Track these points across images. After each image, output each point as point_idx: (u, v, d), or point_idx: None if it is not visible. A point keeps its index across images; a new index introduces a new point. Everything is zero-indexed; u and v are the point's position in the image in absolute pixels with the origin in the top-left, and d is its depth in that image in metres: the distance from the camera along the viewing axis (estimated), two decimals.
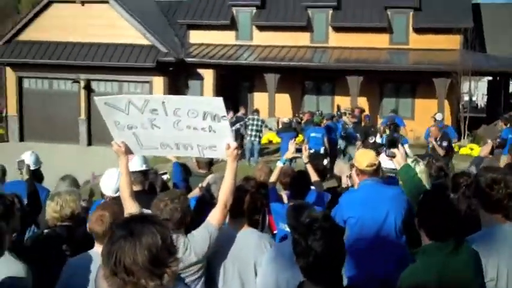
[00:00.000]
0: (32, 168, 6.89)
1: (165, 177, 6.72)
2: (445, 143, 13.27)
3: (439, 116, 15.92)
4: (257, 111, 20.18)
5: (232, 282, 4.17)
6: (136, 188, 5.24)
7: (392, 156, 4.55)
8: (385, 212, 5.05)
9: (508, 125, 13.97)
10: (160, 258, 2.15)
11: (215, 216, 4.02)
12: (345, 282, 4.97)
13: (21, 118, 27.28)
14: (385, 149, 4.62)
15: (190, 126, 4.02)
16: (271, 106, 26.00)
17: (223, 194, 4.04)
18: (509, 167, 5.96)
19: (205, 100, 4.11)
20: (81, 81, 25.95)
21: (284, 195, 6.29)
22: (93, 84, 26.23)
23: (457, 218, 3.55)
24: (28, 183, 6.64)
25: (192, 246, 3.87)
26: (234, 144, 4.05)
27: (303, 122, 19.24)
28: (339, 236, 2.96)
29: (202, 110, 3.91)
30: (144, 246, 2.12)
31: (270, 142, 23.59)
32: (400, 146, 4.67)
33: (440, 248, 3.45)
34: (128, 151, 4.28)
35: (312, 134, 16.20)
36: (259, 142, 19.65)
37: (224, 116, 3.94)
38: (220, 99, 3.93)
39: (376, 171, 5.42)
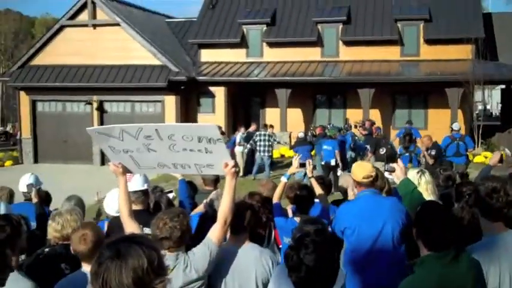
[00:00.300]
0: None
1: (171, 195, 6.71)
2: (433, 152, 13.94)
3: (455, 126, 15.84)
4: (266, 126, 20.31)
5: None
6: (137, 207, 5.26)
7: (391, 171, 4.52)
8: (382, 222, 5.03)
9: None
10: (146, 281, 2.15)
11: (215, 233, 4.02)
12: None
13: (35, 140, 27.61)
14: (384, 163, 4.59)
15: (186, 149, 4.01)
16: (283, 121, 26.06)
17: (223, 211, 4.04)
18: (510, 175, 5.90)
19: (199, 127, 4.05)
20: (94, 102, 26.24)
21: (289, 209, 6.27)
22: (106, 105, 26.52)
23: (455, 228, 3.54)
24: (36, 206, 6.70)
25: (193, 263, 3.87)
26: (231, 162, 4.04)
27: (315, 138, 19.26)
28: (332, 249, 2.94)
29: (197, 135, 3.90)
30: (129, 268, 2.12)
31: (283, 156, 23.61)
32: (399, 160, 4.65)
33: (439, 258, 3.43)
34: (126, 171, 4.29)
35: (324, 147, 16.60)
36: (269, 157, 19.70)
37: (220, 139, 3.93)
38: (214, 127, 3.92)
39: (373, 182, 5.40)
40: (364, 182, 5.25)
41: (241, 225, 4.24)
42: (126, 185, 4.30)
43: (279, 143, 20.31)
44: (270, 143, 19.55)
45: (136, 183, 5.27)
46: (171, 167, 4.23)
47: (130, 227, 4.14)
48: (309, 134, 19.44)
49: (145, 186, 5.46)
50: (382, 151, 15.42)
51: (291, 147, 20.49)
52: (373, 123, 19.94)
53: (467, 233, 4.31)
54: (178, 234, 3.88)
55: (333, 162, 16.30)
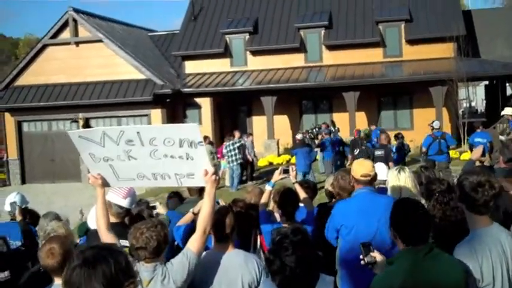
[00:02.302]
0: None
1: (155, 212, 6.70)
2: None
3: (436, 124, 15.96)
4: (233, 136, 20.08)
5: None
6: (113, 220, 5.22)
7: (372, 263, 4.53)
8: (378, 220, 5.05)
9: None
10: (116, 283, 2.21)
11: (194, 243, 3.99)
12: None
13: (22, 161, 27.49)
14: (363, 255, 4.60)
15: (167, 155, 3.98)
16: (270, 128, 26.10)
17: (202, 221, 4.02)
18: (486, 168, 5.95)
19: (180, 127, 4.01)
20: (79, 120, 26.17)
21: (277, 214, 6.28)
22: (92, 122, 26.44)
23: (429, 224, 3.57)
24: (20, 224, 6.68)
25: (171, 274, 3.84)
26: (211, 169, 4.03)
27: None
28: (311, 247, 2.94)
29: (178, 138, 3.88)
30: (98, 274, 2.18)
31: (271, 164, 23.61)
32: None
33: (413, 254, 3.48)
34: (105, 183, 4.26)
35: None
36: (238, 166, 19.56)
37: (201, 142, 3.91)
38: (195, 125, 3.92)
39: (371, 181, 5.45)
40: (362, 180, 5.33)
41: (224, 232, 4.23)
42: (104, 198, 4.27)
43: (237, 144, 19.94)
44: (237, 151, 19.41)
45: (128, 201, 5.17)
46: (150, 178, 4.18)
47: (107, 239, 4.11)
48: (307, 136, 19.54)
49: (132, 207, 5.42)
50: (356, 152, 16.12)
51: (291, 149, 20.66)
52: (328, 126, 20.71)
53: (440, 230, 4.33)
54: (154, 245, 3.84)
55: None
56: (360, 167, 5.46)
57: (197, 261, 3.96)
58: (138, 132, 3.95)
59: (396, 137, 16.90)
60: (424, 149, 15.23)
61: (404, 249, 3.55)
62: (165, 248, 3.99)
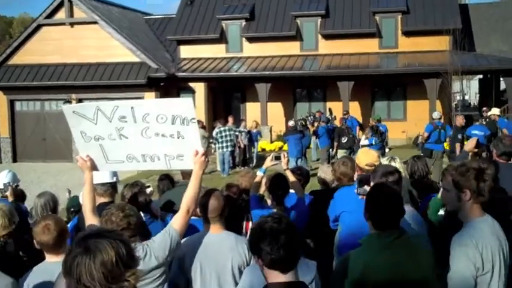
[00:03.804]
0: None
1: (148, 190, 6.70)
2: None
3: (436, 115, 16.09)
4: (222, 122, 20.19)
5: (209, 286, 4.18)
6: (104, 199, 5.27)
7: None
8: None
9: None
10: (116, 274, 2.19)
11: (177, 221, 4.02)
12: None
13: (13, 139, 27.35)
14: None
15: (158, 134, 3.99)
16: (264, 115, 26.11)
17: (187, 200, 4.04)
18: (484, 159, 5.97)
19: (174, 102, 4.00)
20: (72, 100, 26.00)
21: (268, 200, 6.31)
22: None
23: (400, 212, 3.61)
24: (11, 204, 6.69)
25: (153, 251, 3.86)
26: (201, 150, 4.05)
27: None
28: (294, 230, 2.94)
29: (171, 114, 3.88)
30: (98, 263, 2.17)
31: (263, 150, 23.66)
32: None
33: (380, 238, 3.55)
34: (93, 167, 4.25)
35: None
36: (230, 153, 19.71)
37: (193, 119, 3.92)
38: (189, 100, 3.93)
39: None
40: (366, 170, 5.38)
41: (211, 213, 4.25)
42: (91, 182, 4.26)
43: (240, 132, 20.18)
44: (230, 138, 19.49)
45: (105, 175, 5.22)
46: (140, 159, 4.17)
47: (92, 221, 4.11)
48: (299, 123, 19.64)
49: (114, 179, 5.44)
50: (344, 140, 17.06)
51: (283, 135, 20.83)
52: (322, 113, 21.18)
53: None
54: (135, 220, 3.92)
55: None
56: (365, 156, 5.54)
57: (179, 239, 3.99)
58: (132, 107, 3.96)
59: (371, 128, 17.05)
60: (425, 135, 15.32)
61: (374, 232, 3.62)
62: (141, 225, 4.05)
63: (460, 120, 15.58)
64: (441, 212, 5.15)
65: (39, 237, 4.00)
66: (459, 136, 14.72)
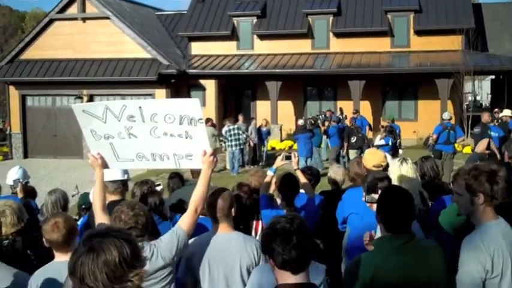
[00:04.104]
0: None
1: (159, 188, 6.71)
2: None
3: (446, 115, 16.02)
4: (231, 120, 20.14)
5: (218, 286, 4.17)
6: (115, 197, 5.27)
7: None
8: None
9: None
10: (119, 274, 2.18)
11: (185, 221, 4.01)
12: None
13: (24, 135, 27.47)
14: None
15: (167, 133, 3.99)
16: (274, 113, 26.08)
17: (195, 200, 4.03)
18: (496, 162, 5.91)
19: (181, 102, 3.99)
20: (84, 96, 26.14)
21: (278, 199, 6.28)
22: (96, 99, 26.35)
23: (411, 215, 3.61)
24: (21, 200, 6.70)
25: (160, 250, 3.86)
26: (210, 150, 4.03)
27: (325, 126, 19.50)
28: (306, 231, 2.93)
29: (179, 114, 3.89)
30: (101, 263, 2.16)
31: (273, 149, 23.64)
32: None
33: (392, 241, 3.53)
34: (104, 164, 4.26)
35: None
36: (240, 151, 19.68)
37: (201, 119, 3.91)
38: (196, 100, 3.92)
39: (383, 172, 5.45)
40: (374, 171, 5.33)
41: (219, 213, 4.23)
42: (102, 179, 4.26)
43: (244, 133, 20.03)
44: (238, 137, 19.43)
45: (116, 173, 5.22)
46: (149, 158, 4.18)
47: (102, 219, 4.11)
48: (308, 122, 19.63)
49: (125, 177, 5.44)
50: (353, 139, 17.07)
51: (293, 134, 20.88)
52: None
53: None
54: (143, 220, 3.91)
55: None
56: (372, 158, 5.50)
57: (186, 239, 3.98)
58: (140, 107, 3.96)
59: (385, 129, 16.94)
60: (434, 136, 15.24)
61: (385, 235, 3.61)
62: (150, 224, 4.04)
63: (486, 117, 15.48)
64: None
65: (48, 235, 4.00)
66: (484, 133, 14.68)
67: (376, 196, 4.34)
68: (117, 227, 3.77)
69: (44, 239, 4.07)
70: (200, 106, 3.92)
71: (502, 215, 3.71)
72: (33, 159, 26.30)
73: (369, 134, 19.17)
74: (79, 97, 26.15)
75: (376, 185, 4.52)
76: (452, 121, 16.88)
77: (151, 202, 5.80)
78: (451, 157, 15.11)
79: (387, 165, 5.58)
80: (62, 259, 3.91)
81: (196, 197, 4.03)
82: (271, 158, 20.15)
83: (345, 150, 17.88)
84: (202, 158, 4.01)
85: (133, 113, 3.99)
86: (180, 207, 5.97)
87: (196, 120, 3.90)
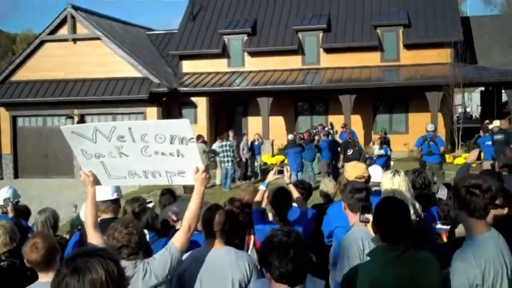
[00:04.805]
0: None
1: (150, 205, 6.69)
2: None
3: (430, 127, 16.38)
4: (225, 137, 20.21)
5: None
6: (107, 215, 5.22)
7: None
8: None
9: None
10: None
11: (178, 239, 3.97)
12: None
13: (15, 155, 27.39)
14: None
15: (158, 152, 3.96)
16: (265, 129, 26.12)
17: (188, 217, 4.00)
18: (486, 172, 5.93)
19: (171, 123, 3.98)
20: (75, 116, 26.12)
21: (270, 213, 6.28)
22: (87, 119, 26.38)
23: (407, 225, 3.60)
24: (12, 220, 6.67)
25: (153, 269, 3.82)
26: (202, 167, 4.01)
27: (303, 141, 19.64)
28: (303, 244, 2.95)
29: (169, 134, 3.86)
30: (87, 283, 2.13)
31: (265, 164, 23.66)
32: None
33: (387, 251, 3.53)
34: (96, 181, 4.23)
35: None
36: (233, 167, 19.77)
37: (192, 138, 3.89)
38: (186, 121, 3.88)
39: (366, 183, 5.47)
40: (354, 181, 5.37)
41: (213, 229, 4.22)
42: (94, 197, 4.24)
43: (233, 151, 20.10)
44: (230, 153, 19.55)
45: (105, 193, 5.18)
46: (141, 175, 4.16)
47: (94, 238, 4.07)
48: (297, 136, 19.77)
49: (114, 196, 5.39)
50: (350, 152, 16.98)
51: (283, 149, 21.00)
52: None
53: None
54: (136, 239, 3.86)
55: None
56: (353, 170, 5.53)
57: (180, 256, 3.95)
58: (129, 128, 3.93)
59: (380, 140, 17.40)
60: (416, 149, 15.92)
61: (381, 245, 3.61)
62: (144, 243, 4.01)
63: (505, 124, 15.97)
64: None
65: (27, 255, 3.97)
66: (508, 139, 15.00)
67: (370, 216, 4.35)
68: (112, 243, 3.76)
69: (25, 261, 4.04)
70: (190, 126, 3.88)
71: (499, 225, 3.71)
72: (24, 179, 26.15)
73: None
74: (70, 117, 26.12)
75: (370, 205, 4.51)
76: (442, 132, 17.11)
77: (147, 219, 5.78)
78: (437, 167, 15.33)
79: (369, 177, 5.61)
80: (44, 280, 3.88)
81: (190, 214, 4.00)
82: (264, 173, 20.15)
83: (340, 163, 17.93)
84: (195, 176, 3.98)
85: (123, 134, 3.96)
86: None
87: (187, 140, 3.87)
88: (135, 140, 3.95)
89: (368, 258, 4.01)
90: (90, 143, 4.05)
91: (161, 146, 3.92)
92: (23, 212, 7.41)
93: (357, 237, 4.67)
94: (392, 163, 17.19)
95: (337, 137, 20.35)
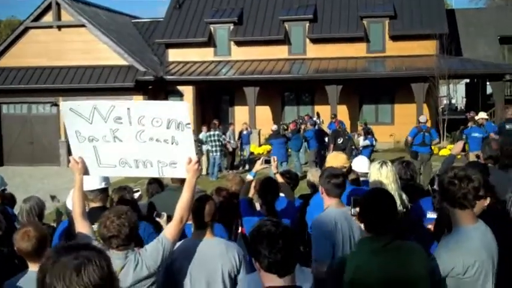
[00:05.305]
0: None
1: (137, 194, 6.67)
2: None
3: (422, 118, 16.54)
4: (215, 125, 20.30)
5: None
6: (96, 204, 5.15)
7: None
8: None
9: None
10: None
11: (170, 230, 3.98)
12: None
13: (0, 143, 27.12)
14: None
15: (153, 138, 3.97)
16: (252, 119, 26.10)
17: (180, 209, 4.00)
18: (472, 164, 5.99)
19: (170, 105, 4.00)
20: (59, 104, 25.89)
21: (257, 203, 6.30)
22: None
23: (392, 216, 3.60)
24: (0, 208, 6.63)
25: (145, 260, 3.82)
26: (195, 158, 4.02)
27: (289, 130, 19.68)
28: (292, 234, 2.96)
29: (167, 118, 3.88)
30: (74, 277, 2.05)
31: (252, 154, 23.70)
32: None
33: (372, 242, 3.55)
34: (85, 170, 4.20)
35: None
36: (221, 156, 19.90)
37: (188, 124, 3.91)
38: (184, 104, 3.93)
39: (347, 173, 5.48)
40: (330, 167, 5.35)
41: (204, 219, 4.23)
42: (81, 185, 4.20)
43: (224, 140, 20.28)
44: (218, 143, 19.65)
45: (93, 182, 5.09)
46: (132, 165, 4.14)
47: (82, 226, 4.03)
48: (281, 127, 19.83)
49: (102, 185, 5.34)
50: (340, 141, 17.30)
51: (266, 139, 21.11)
52: (311, 117, 21.56)
53: None
54: (126, 231, 3.79)
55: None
56: (334, 160, 5.55)
57: (171, 248, 3.95)
58: (128, 108, 3.95)
59: (363, 131, 17.63)
60: (410, 139, 15.65)
61: (366, 236, 3.63)
62: (136, 234, 3.99)
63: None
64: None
65: (18, 244, 3.95)
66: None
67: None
68: (103, 232, 3.74)
69: (15, 248, 4.02)
70: (187, 110, 3.92)
71: (486, 217, 3.76)
72: (9, 166, 25.90)
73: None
74: (55, 104, 25.90)
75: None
76: (429, 124, 17.20)
77: (128, 199, 5.75)
78: (427, 158, 15.42)
79: (350, 167, 5.62)
80: (33, 269, 3.84)
81: (182, 205, 4.00)
82: (251, 162, 20.20)
83: (330, 152, 18.04)
84: (187, 166, 4.00)
85: (120, 115, 3.96)
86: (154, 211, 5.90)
87: (184, 125, 3.89)
88: (131, 123, 3.96)
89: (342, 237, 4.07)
90: (86, 123, 4.04)
91: (157, 130, 3.94)
92: (9, 200, 7.36)
93: (331, 216, 4.73)
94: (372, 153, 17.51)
95: (324, 127, 20.41)
